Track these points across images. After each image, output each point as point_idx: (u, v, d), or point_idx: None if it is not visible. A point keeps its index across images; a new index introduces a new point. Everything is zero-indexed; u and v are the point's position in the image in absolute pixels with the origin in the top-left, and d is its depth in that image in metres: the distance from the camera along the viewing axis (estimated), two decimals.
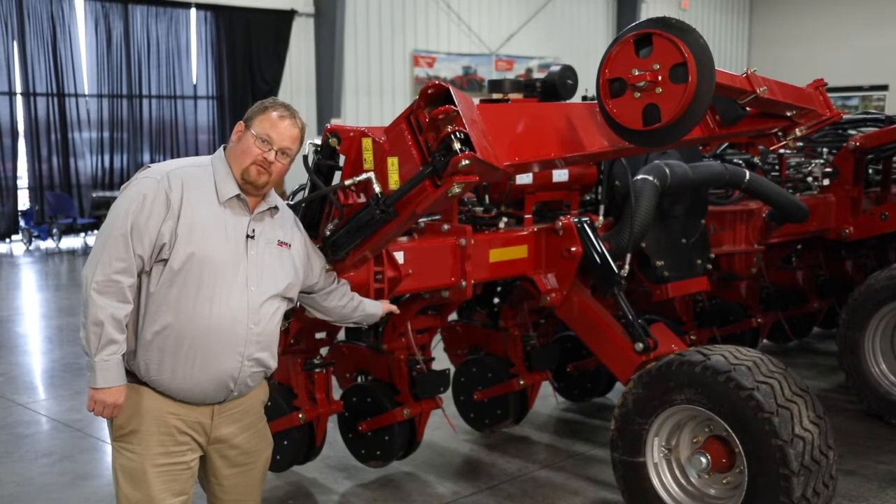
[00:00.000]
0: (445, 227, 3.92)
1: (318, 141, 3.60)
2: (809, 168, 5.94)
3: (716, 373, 3.47)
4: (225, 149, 2.86)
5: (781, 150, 5.49)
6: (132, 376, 2.76)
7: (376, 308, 3.41)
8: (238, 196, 2.77)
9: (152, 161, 16.04)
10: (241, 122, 2.82)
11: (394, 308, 3.54)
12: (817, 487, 3.37)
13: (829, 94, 4.27)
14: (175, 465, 2.79)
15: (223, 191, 2.75)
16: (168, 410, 2.76)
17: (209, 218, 2.71)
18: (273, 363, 2.93)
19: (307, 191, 3.63)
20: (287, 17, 17.45)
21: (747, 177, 4.97)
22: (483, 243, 3.98)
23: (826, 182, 5.87)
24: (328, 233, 3.42)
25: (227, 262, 2.72)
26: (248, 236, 2.78)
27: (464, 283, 3.86)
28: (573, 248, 4.10)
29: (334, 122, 15.36)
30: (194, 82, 16.64)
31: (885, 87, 23.98)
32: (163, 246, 2.65)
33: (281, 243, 2.90)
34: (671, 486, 3.74)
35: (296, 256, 2.97)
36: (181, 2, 16.26)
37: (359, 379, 4.53)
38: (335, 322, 3.48)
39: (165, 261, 2.66)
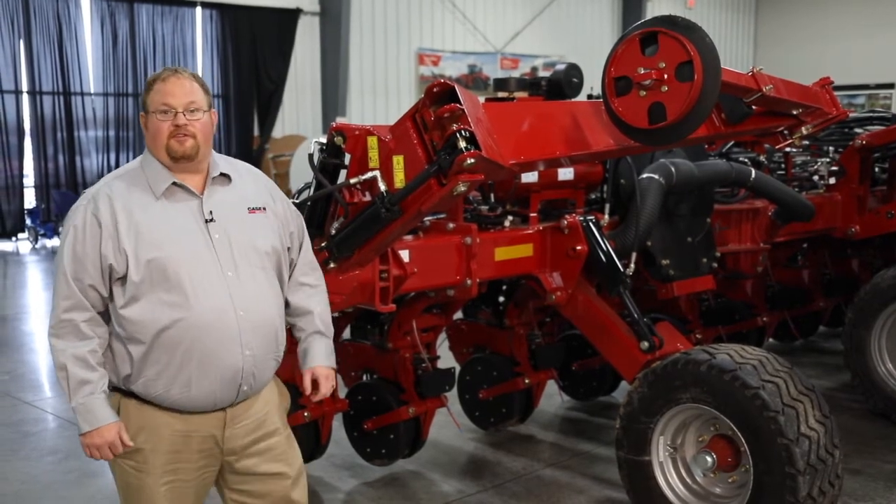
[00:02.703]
0: (451, 225, 3.92)
1: (324, 139, 3.60)
2: (815, 167, 5.92)
3: (721, 371, 3.46)
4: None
5: (787, 149, 5.47)
6: (135, 395, 2.60)
7: (314, 359, 2.86)
8: (174, 184, 2.56)
9: None
10: (141, 112, 2.60)
11: (322, 393, 2.91)
12: (823, 486, 3.37)
13: (836, 93, 4.26)
14: (182, 481, 2.62)
15: (156, 185, 2.55)
16: (177, 428, 2.59)
17: (153, 219, 2.53)
18: (279, 347, 2.71)
19: (312, 189, 3.63)
20: (292, 15, 17.48)
21: (753, 175, 4.96)
22: (488, 242, 3.98)
23: (832, 181, 5.84)
24: (333, 231, 3.42)
25: (191, 256, 2.51)
26: (206, 221, 2.57)
27: (469, 282, 3.86)
28: (578, 247, 4.09)
29: (339, 120, 15.37)
30: None
31: (891, 86, 23.94)
32: (110, 266, 2.49)
33: (252, 209, 2.66)
34: (676, 484, 3.74)
35: (273, 219, 2.71)
36: (187, 1, 16.29)
37: (364, 377, 4.53)
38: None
39: (122, 279, 2.50)
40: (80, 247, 2.52)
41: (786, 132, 4.14)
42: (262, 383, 2.71)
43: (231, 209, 2.62)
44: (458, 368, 4.92)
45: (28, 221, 15.06)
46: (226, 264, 2.56)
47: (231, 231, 2.59)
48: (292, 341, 3.69)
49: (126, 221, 2.51)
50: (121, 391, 2.62)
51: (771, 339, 6.82)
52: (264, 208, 2.70)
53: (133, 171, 2.62)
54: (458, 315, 5.01)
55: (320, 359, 2.87)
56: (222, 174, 2.65)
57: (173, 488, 2.62)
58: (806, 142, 5.39)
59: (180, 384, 2.54)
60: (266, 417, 2.75)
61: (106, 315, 2.58)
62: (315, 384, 2.87)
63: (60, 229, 12.70)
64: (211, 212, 2.58)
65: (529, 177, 4.16)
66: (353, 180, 3.35)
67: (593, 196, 4.63)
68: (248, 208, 2.66)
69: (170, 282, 2.49)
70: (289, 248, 2.79)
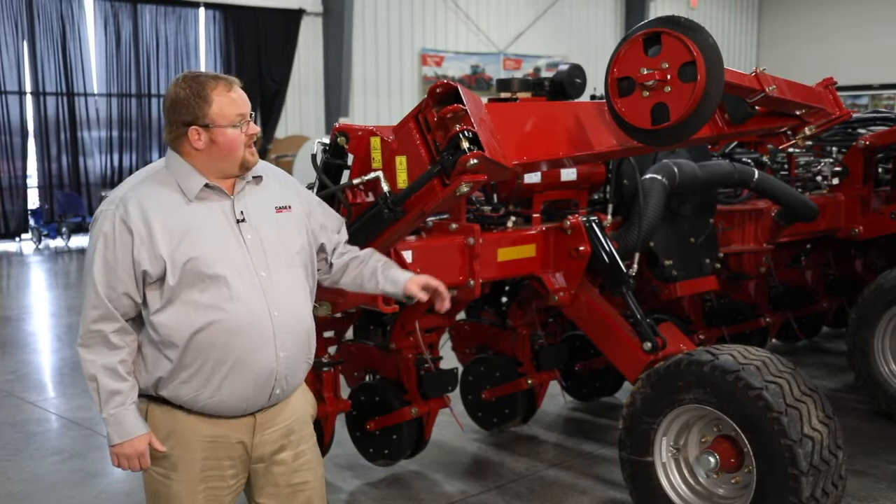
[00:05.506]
0: (453, 226, 3.91)
1: (327, 140, 3.61)
2: (819, 167, 5.92)
3: (724, 372, 3.46)
4: (176, 151, 2.55)
5: (791, 149, 5.47)
6: (164, 400, 2.57)
7: (396, 281, 2.88)
8: (207, 185, 2.52)
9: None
10: (194, 128, 2.47)
11: (418, 294, 2.86)
12: (826, 487, 3.36)
13: (839, 93, 4.25)
14: (214, 489, 2.60)
15: (189, 188, 2.51)
16: (205, 433, 2.56)
17: (186, 221, 2.49)
18: (311, 349, 2.69)
19: (315, 189, 3.63)
20: (295, 16, 17.49)
21: (756, 176, 4.95)
22: (491, 242, 3.98)
23: (835, 181, 5.84)
24: None
25: (224, 257, 2.49)
26: (238, 221, 2.54)
27: (472, 282, 3.86)
28: (581, 248, 4.09)
29: (342, 121, 15.37)
30: None
31: (894, 86, 23.89)
32: (144, 272, 2.45)
33: (279, 209, 2.65)
34: (679, 485, 3.74)
35: (299, 217, 2.71)
36: (190, 1, 16.32)
37: (367, 378, 4.53)
38: (351, 289, 3.03)
39: (155, 283, 2.47)
40: (111, 255, 2.46)
41: (789, 133, 4.13)
42: (294, 386, 2.68)
43: (261, 209, 2.61)
44: (461, 369, 4.93)
45: (31, 222, 15.09)
46: (259, 264, 2.54)
47: (262, 231, 2.58)
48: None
49: (160, 225, 2.46)
50: (149, 397, 2.58)
51: (774, 340, 6.82)
52: (290, 207, 2.69)
53: (159, 174, 2.56)
54: (462, 315, 5.01)
55: (405, 273, 2.92)
56: (254, 176, 2.63)
57: (207, 497, 2.59)
58: (809, 142, 5.38)
59: (211, 388, 2.51)
60: (294, 425, 2.71)
61: (136, 322, 2.55)
62: (427, 290, 2.86)
63: (64, 230, 12.58)
64: (242, 212, 2.56)
65: (532, 177, 4.15)
66: (356, 181, 3.35)
67: (596, 196, 4.63)
68: (276, 207, 2.65)
69: (204, 283, 2.46)
70: (323, 229, 2.83)
